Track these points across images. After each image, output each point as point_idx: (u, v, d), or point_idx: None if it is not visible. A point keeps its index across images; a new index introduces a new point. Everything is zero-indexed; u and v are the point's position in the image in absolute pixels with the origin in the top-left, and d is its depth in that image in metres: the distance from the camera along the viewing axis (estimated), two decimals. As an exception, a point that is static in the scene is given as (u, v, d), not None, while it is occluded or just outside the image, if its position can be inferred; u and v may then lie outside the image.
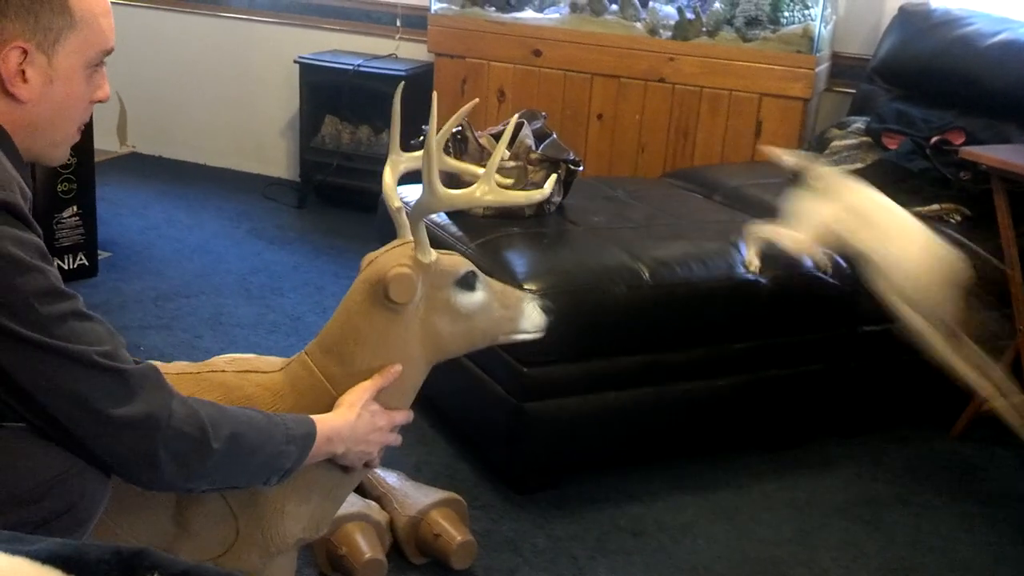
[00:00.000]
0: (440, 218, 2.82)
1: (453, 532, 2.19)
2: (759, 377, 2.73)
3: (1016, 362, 2.81)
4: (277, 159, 5.13)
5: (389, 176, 1.82)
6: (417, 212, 1.65)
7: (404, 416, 1.70)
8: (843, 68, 4.06)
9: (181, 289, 3.69)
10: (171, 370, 1.62)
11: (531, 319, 1.75)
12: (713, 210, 3.12)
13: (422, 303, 1.64)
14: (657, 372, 2.60)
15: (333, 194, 4.73)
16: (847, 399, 2.91)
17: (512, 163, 2.79)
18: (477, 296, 1.68)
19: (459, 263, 1.69)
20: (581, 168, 2.93)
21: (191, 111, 5.22)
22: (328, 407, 1.60)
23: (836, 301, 2.78)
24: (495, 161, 1.65)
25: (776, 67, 3.72)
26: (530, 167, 2.80)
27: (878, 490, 2.72)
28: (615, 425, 2.59)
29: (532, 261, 2.56)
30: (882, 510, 2.63)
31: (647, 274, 2.55)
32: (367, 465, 1.69)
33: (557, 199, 2.89)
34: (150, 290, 3.65)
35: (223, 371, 1.65)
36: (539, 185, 2.78)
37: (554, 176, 1.87)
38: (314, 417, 1.55)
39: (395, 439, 1.70)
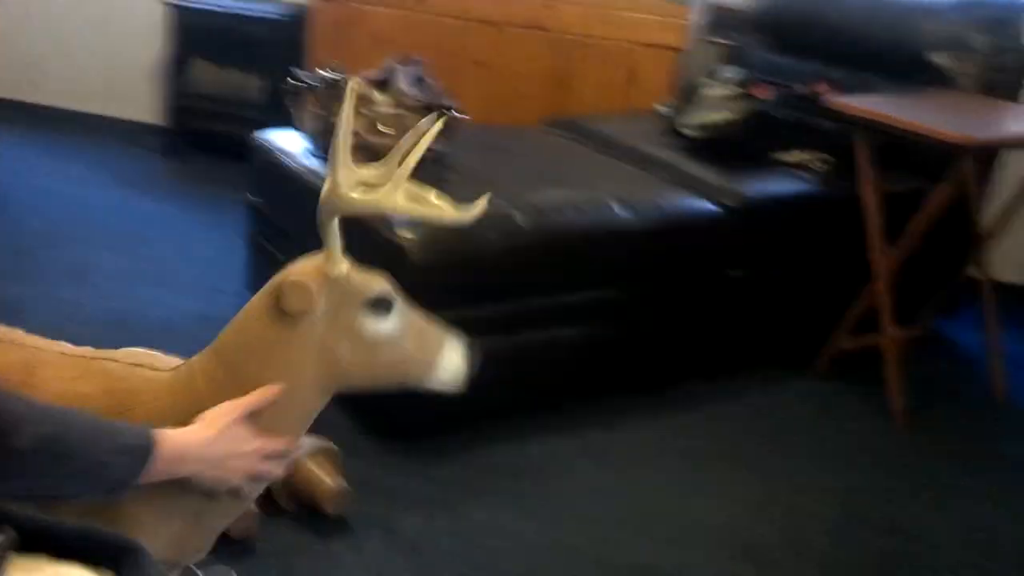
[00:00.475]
0: (312, 163, 2.77)
1: (326, 478, 2.18)
2: (632, 321, 2.79)
3: (874, 302, 2.94)
4: (145, 104, 4.93)
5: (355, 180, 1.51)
6: (322, 213, 1.45)
7: (282, 444, 1.46)
8: (720, 19, 4.10)
9: (43, 238, 3.54)
10: (66, 350, 1.54)
11: (450, 369, 1.52)
12: (589, 158, 3.15)
13: (323, 320, 1.44)
14: (533, 318, 2.62)
15: (203, 140, 4.59)
16: (714, 341, 3.00)
17: (389, 109, 2.75)
18: (387, 325, 1.46)
19: (373, 282, 1.47)
20: (463, 116, 2.91)
21: (53, 54, 4.98)
22: (200, 411, 1.43)
23: (705, 245, 2.85)
24: (408, 167, 1.44)
25: (651, 17, 3.75)
26: (407, 113, 2.76)
27: (745, 429, 2.82)
28: (491, 372, 2.59)
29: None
30: (749, 448, 2.73)
31: (522, 221, 2.56)
32: (237, 495, 1.47)
33: (439, 147, 2.86)
34: (9, 240, 3.49)
35: (115, 360, 1.53)
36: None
37: (481, 204, 1.52)
38: (164, 431, 1.35)
39: (269, 469, 1.46)
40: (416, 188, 1.51)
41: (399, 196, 1.44)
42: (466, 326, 2.49)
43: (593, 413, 2.79)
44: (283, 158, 2.86)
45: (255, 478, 1.46)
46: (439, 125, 1.51)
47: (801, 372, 3.13)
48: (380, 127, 2.71)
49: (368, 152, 2.59)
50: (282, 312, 1.42)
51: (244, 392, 1.44)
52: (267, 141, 2.98)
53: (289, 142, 2.92)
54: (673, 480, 2.55)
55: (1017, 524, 2.54)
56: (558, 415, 2.76)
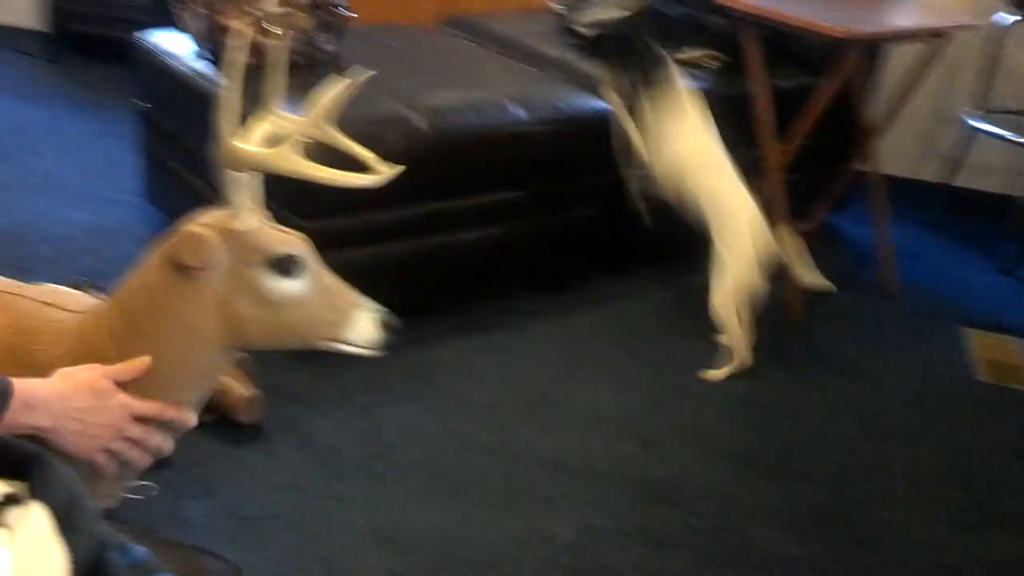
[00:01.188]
0: (199, 64, 2.70)
1: (238, 387, 2.20)
2: (533, 222, 2.84)
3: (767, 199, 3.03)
4: (24, 6, 4.70)
5: (252, 135, 1.45)
6: (219, 166, 1.39)
7: (156, 407, 1.38)
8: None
9: (-77, 152, 3.41)
10: None
11: (361, 332, 1.48)
12: (485, 58, 3.14)
13: (225, 276, 1.39)
14: (435, 221, 2.65)
15: (86, 44, 4.41)
16: (615, 239, 3.06)
17: (278, 9, 2.69)
18: (291, 285, 1.41)
19: (280, 242, 1.41)
20: (351, 15, 2.86)
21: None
22: (101, 361, 1.38)
23: (602, 145, 2.89)
24: (302, 127, 1.41)
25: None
26: (297, 13, 2.71)
27: (645, 322, 2.92)
28: (397, 275, 2.63)
29: (301, 112, 2.50)
30: (649, 341, 2.83)
31: (422, 122, 2.56)
32: (97, 469, 1.36)
33: (329, 48, 2.82)
34: None
35: (26, 297, 1.47)
36: (306, 32, 2.72)
37: (396, 169, 1.47)
38: (17, 379, 1.27)
39: (141, 434, 1.37)
40: (340, 136, 1.47)
41: (294, 155, 1.39)
42: (368, 231, 2.54)
43: (497, 313, 2.85)
44: (168, 60, 2.79)
45: (125, 443, 1.36)
46: (355, 81, 1.47)
47: (700, 269, 3.22)
48: (267, 26, 2.66)
49: (255, 53, 2.54)
50: (181, 265, 1.38)
51: (140, 343, 1.40)
52: (151, 43, 2.90)
53: (174, 43, 2.84)
54: (577, 375, 2.64)
55: (907, 406, 2.70)
56: (463, 316, 2.81)
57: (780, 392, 2.68)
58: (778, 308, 3.03)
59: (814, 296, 3.13)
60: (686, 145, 2.77)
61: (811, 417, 2.59)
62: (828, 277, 3.30)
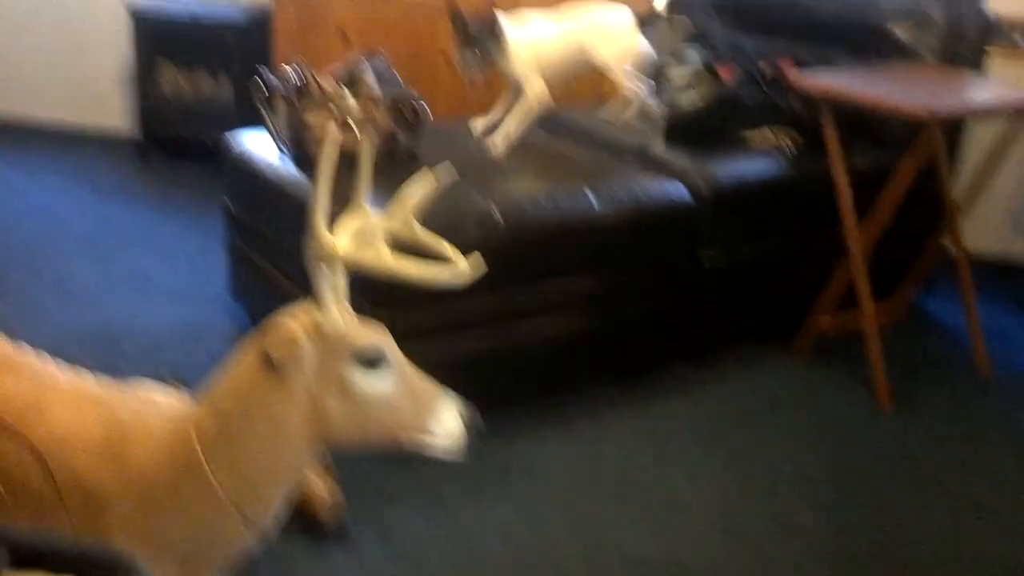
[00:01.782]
0: (284, 163, 2.77)
1: (319, 484, 2.19)
2: (610, 310, 2.82)
3: (850, 280, 2.97)
4: (114, 111, 4.92)
5: (341, 232, 1.49)
6: (309, 261, 1.42)
7: None
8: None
9: (20, 254, 3.53)
10: (78, 385, 1.54)
11: (445, 428, 1.47)
12: (561, 147, 3.17)
13: (312, 370, 1.41)
14: (513, 311, 2.64)
15: (175, 145, 4.58)
16: (693, 325, 3.02)
17: (357, 105, 2.76)
18: (378, 380, 1.43)
19: (365, 335, 1.44)
20: (426, 109, 2.92)
21: (21, 65, 4.94)
22: (189, 459, 1.43)
23: (680, 231, 2.88)
24: (389, 224, 1.44)
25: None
26: (376, 110, 2.77)
27: (728, 411, 2.85)
28: (476, 366, 2.62)
29: (384, 206, 2.54)
30: (733, 430, 2.76)
31: (499, 214, 2.57)
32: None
33: (407, 143, 2.87)
34: (-14, 257, 3.49)
35: (123, 400, 1.54)
36: (385, 129, 2.78)
37: (479, 264, 1.50)
38: None
39: None
40: (421, 230, 1.51)
41: (384, 252, 1.43)
42: (447, 322, 2.54)
43: (578, 403, 2.82)
44: (254, 161, 2.87)
45: None
46: (438, 179, 1.50)
47: (782, 353, 3.16)
48: (348, 124, 2.72)
49: (339, 151, 2.60)
50: (269, 360, 1.40)
51: (231, 440, 1.42)
52: (237, 144, 2.98)
53: (259, 144, 2.92)
54: (660, 466, 2.58)
55: (1002, 497, 2.58)
56: (543, 407, 2.78)
57: (870, 481, 2.59)
58: (866, 393, 2.96)
59: (903, 381, 3.04)
60: None
61: (903, 508, 2.49)
62: (917, 359, 3.22)
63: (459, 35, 2.93)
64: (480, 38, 2.91)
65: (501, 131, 2.91)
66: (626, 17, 3.15)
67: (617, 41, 3.11)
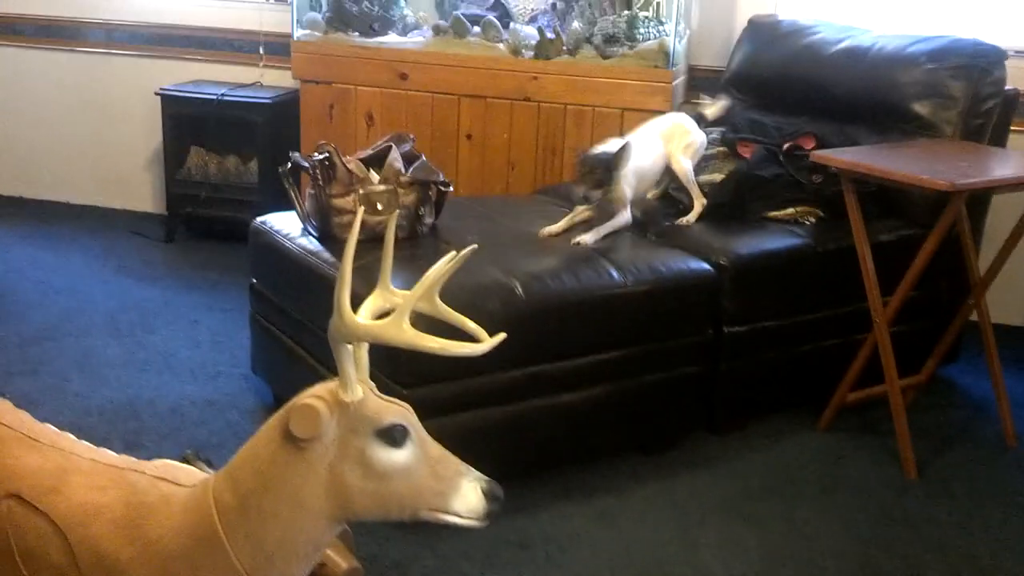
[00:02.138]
0: (311, 244, 2.81)
1: (338, 560, 2.16)
2: (633, 383, 2.81)
3: (874, 352, 2.96)
4: (143, 193, 5.01)
5: (365, 309, 1.50)
6: (332, 339, 1.43)
7: None
8: (699, 80, 4.20)
9: (47, 332, 3.57)
10: (100, 458, 1.55)
11: (467, 502, 1.45)
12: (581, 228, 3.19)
13: (334, 446, 1.41)
14: (535, 385, 2.64)
15: (202, 226, 4.65)
16: (718, 398, 3.01)
17: (382, 187, 2.80)
18: (399, 455, 1.43)
19: (387, 411, 1.44)
20: (451, 189, 2.96)
21: (51, 149, 5.06)
22: (208, 533, 1.43)
23: (701, 304, 2.88)
24: (411, 301, 1.44)
25: (635, 82, 3.82)
26: (400, 190, 2.82)
27: (752, 484, 2.82)
28: (498, 440, 2.61)
29: (406, 283, 2.56)
30: (757, 503, 2.73)
31: (520, 289, 2.59)
32: None
33: (429, 220, 2.91)
34: (14, 335, 3.53)
35: (143, 473, 1.53)
36: (409, 208, 2.82)
37: (499, 337, 1.50)
38: None
39: None
40: (444, 307, 1.51)
41: (405, 327, 1.42)
42: (469, 397, 2.55)
43: (600, 477, 2.80)
44: (281, 240, 2.90)
45: None
46: (460, 256, 1.52)
47: (807, 425, 3.14)
48: (372, 203, 2.76)
49: (364, 230, 2.64)
50: (291, 436, 1.40)
51: (249, 514, 1.41)
52: (265, 224, 3.02)
53: (286, 224, 2.96)
54: (683, 540, 2.55)
55: (1016, 562, 2.53)
56: (565, 481, 2.76)
57: (897, 552, 2.54)
58: (892, 465, 2.92)
59: (929, 452, 3.00)
60: None
61: (939, 584, 2.44)
62: (944, 430, 3.18)
63: (583, 174, 2.88)
64: (604, 175, 2.88)
65: (594, 232, 2.91)
66: (692, 123, 3.22)
67: (689, 147, 3.17)
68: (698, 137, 3.21)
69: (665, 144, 3.15)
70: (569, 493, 2.71)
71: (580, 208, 2.99)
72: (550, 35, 3.98)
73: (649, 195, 3.36)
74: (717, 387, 2.99)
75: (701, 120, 3.29)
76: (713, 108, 3.36)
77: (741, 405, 3.10)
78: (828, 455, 3.00)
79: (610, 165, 2.87)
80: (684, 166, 3.15)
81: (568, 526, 2.57)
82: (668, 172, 3.23)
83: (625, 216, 3.00)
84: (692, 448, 2.97)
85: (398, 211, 2.77)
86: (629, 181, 2.96)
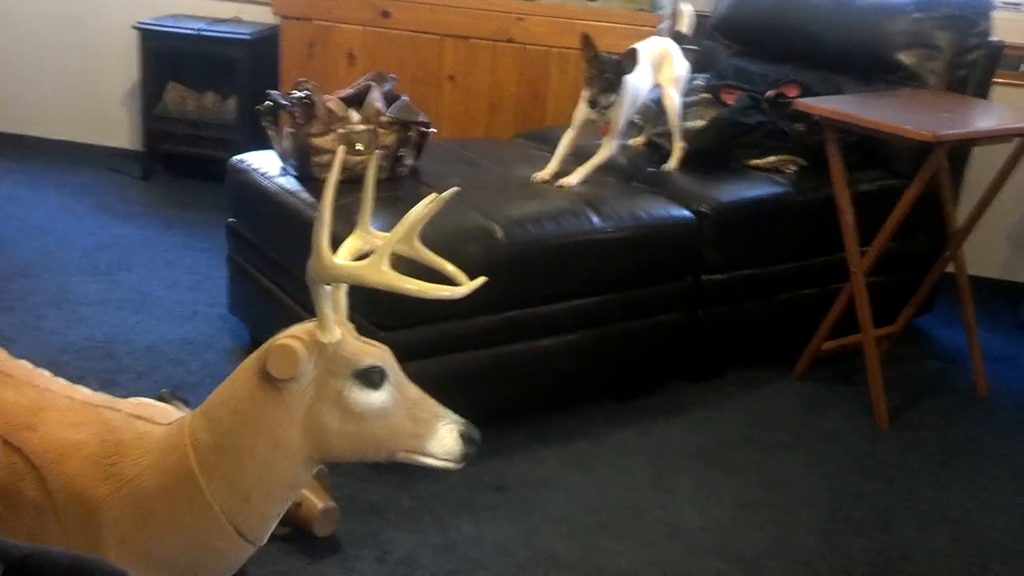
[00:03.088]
0: (289, 183, 2.78)
1: (314, 499, 2.19)
2: (612, 329, 2.82)
3: (850, 302, 2.97)
4: (120, 129, 4.94)
5: (344, 250, 1.50)
6: (310, 280, 1.42)
7: None
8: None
9: (23, 268, 3.53)
10: (76, 395, 1.54)
11: (443, 444, 1.46)
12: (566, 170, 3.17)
13: (311, 387, 1.42)
14: (513, 329, 2.64)
15: (180, 164, 4.60)
16: (695, 346, 3.02)
17: (362, 126, 2.77)
18: (377, 397, 1.43)
19: (365, 353, 1.44)
20: (433, 131, 2.93)
21: (27, 83, 4.97)
22: (184, 472, 1.43)
23: (681, 252, 2.88)
24: (391, 242, 1.42)
25: (620, 25, 3.78)
26: (380, 130, 2.79)
27: (727, 432, 2.85)
28: (475, 384, 2.62)
29: (385, 225, 2.55)
30: (732, 451, 2.75)
31: (501, 233, 2.58)
32: None
33: (410, 162, 2.88)
34: (-11, 271, 3.50)
35: (118, 411, 1.52)
36: (390, 149, 2.79)
37: (479, 280, 1.49)
38: None
39: None
40: (424, 250, 1.50)
41: (384, 269, 1.41)
42: (448, 341, 2.55)
43: (577, 422, 2.81)
44: (260, 179, 2.87)
45: None
46: (442, 198, 1.50)
47: (783, 374, 3.16)
48: (352, 143, 2.73)
49: (344, 171, 2.61)
50: (269, 376, 1.40)
51: (226, 453, 1.42)
52: (243, 163, 2.99)
53: (265, 163, 2.93)
54: (658, 485, 2.57)
55: (1003, 519, 2.56)
56: (542, 425, 2.77)
57: (869, 501, 2.58)
58: (865, 415, 2.95)
59: (902, 402, 3.04)
60: None
61: (902, 529, 2.48)
62: (917, 381, 3.22)
63: (595, 75, 2.84)
64: (614, 77, 2.83)
65: (578, 172, 2.90)
66: (675, 47, 3.17)
67: (678, 79, 3.13)
68: (682, 64, 3.17)
69: (654, 72, 3.10)
70: (545, 437, 2.73)
71: (565, 143, 2.96)
72: (535, -24, 3.92)
73: (632, 142, 3.34)
74: (695, 335, 3.00)
75: (681, 39, 3.24)
76: (684, 20, 3.30)
77: (719, 353, 3.12)
78: (803, 404, 3.03)
79: (621, 67, 2.84)
80: (675, 101, 3.12)
81: (544, 470, 2.59)
82: (653, 111, 3.21)
83: (612, 147, 2.97)
84: (668, 395, 2.99)
85: (378, 151, 2.74)
86: (627, 98, 2.92)
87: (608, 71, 2.82)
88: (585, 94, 2.88)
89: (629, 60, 2.83)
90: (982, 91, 3.35)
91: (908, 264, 3.29)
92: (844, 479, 2.66)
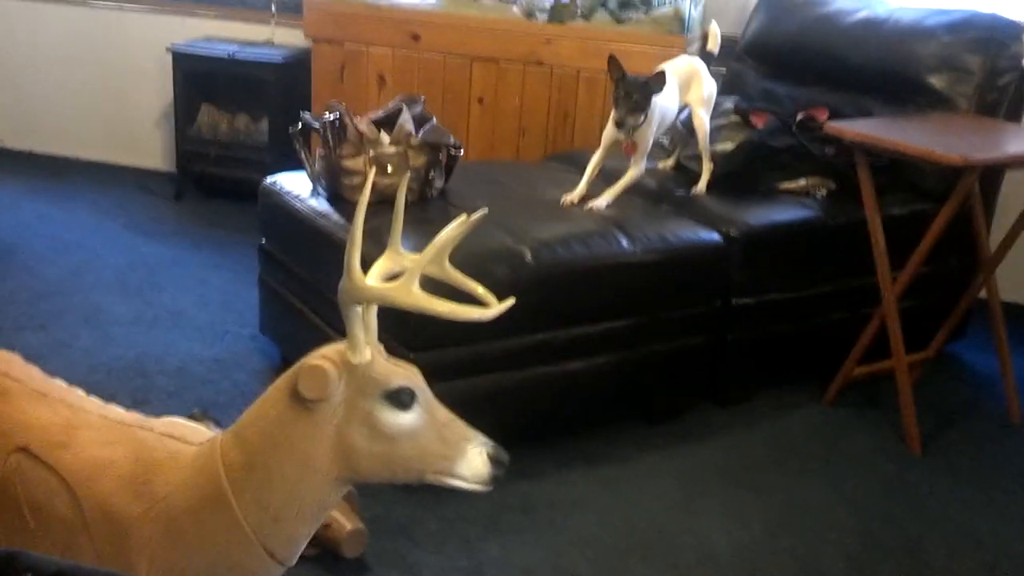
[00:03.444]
0: (320, 205, 2.80)
1: (343, 521, 2.19)
2: (640, 352, 2.81)
3: (881, 327, 2.95)
4: (153, 150, 5.00)
5: (374, 271, 1.51)
6: (341, 301, 1.42)
7: None
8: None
9: (56, 287, 3.58)
10: (109, 414, 1.56)
11: (472, 467, 1.46)
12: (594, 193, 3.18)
13: (341, 408, 1.42)
14: (542, 351, 2.64)
15: (211, 184, 4.64)
16: (724, 369, 3.01)
17: (392, 148, 2.79)
18: (406, 418, 1.43)
19: (395, 374, 1.44)
20: (462, 152, 2.95)
21: (62, 104, 5.05)
22: (215, 491, 1.44)
23: (710, 275, 2.87)
24: (421, 264, 1.43)
25: (649, 48, 3.79)
26: (411, 152, 2.80)
27: (756, 455, 2.83)
28: (504, 406, 2.62)
29: (415, 246, 2.56)
30: (760, 475, 2.73)
31: (530, 255, 2.58)
32: None
33: (439, 183, 2.90)
34: (23, 290, 3.53)
35: (151, 430, 1.53)
36: (419, 171, 2.81)
37: (508, 302, 1.50)
38: None
39: None
40: (454, 271, 1.51)
41: (414, 290, 1.42)
42: (476, 363, 2.55)
43: (604, 444, 2.80)
44: (290, 201, 2.90)
45: None
46: (471, 220, 1.51)
47: (812, 398, 3.14)
48: (383, 165, 2.75)
49: (374, 192, 2.63)
50: (299, 396, 1.40)
51: (256, 473, 1.42)
52: (275, 184, 3.01)
53: (296, 185, 2.95)
54: (688, 509, 2.56)
55: (1017, 538, 2.53)
56: (569, 448, 2.77)
57: (899, 526, 2.55)
58: (896, 440, 2.92)
59: (934, 427, 3.01)
60: None
61: (933, 555, 2.45)
62: (949, 407, 3.18)
63: (622, 96, 2.84)
64: (642, 99, 2.84)
65: (607, 195, 2.90)
66: (703, 66, 3.17)
67: (708, 100, 3.13)
68: (710, 84, 3.17)
69: (682, 91, 3.10)
70: (573, 460, 2.72)
71: (593, 164, 2.97)
72: (564, -1, 3.94)
73: (661, 165, 3.34)
74: (723, 358, 2.99)
75: (710, 59, 3.24)
76: (712, 39, 3.30)
77: (747, 377, 3.10)
78: (833, 429, 3.00)
79: (649, 88, 2.84)
80: (705, 123, 3.11)
81: (571, 492, 2.58)
82: (681, 133, 3.21)
83: (640, 168, 2.96)
84: (697, 419, 2.98)
85: (409, 173, 2.76)
86: (655, 119, 2.92)
87: (636, 92, 2.83)
88: (613, 115, 2.89)
89: (657, 81, 2.84)
90: (1014, 115, 3.33)
91: (939, 289, 3.26)
92: (874, 504, 2.64)
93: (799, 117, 3.27)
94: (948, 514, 2.62)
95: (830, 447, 2.90)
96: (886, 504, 2.64)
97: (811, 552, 2.42)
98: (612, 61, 2.86)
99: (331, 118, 2.79)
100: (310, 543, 2.11)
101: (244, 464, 1.45)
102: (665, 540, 2.43)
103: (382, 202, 2.73)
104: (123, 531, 1.45)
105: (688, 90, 3.11)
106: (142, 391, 2.90)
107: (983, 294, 3.14)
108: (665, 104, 2.97)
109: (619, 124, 2.86)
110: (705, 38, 3.40)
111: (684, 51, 3.76)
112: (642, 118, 2.86)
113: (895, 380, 2.93)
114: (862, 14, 3.53)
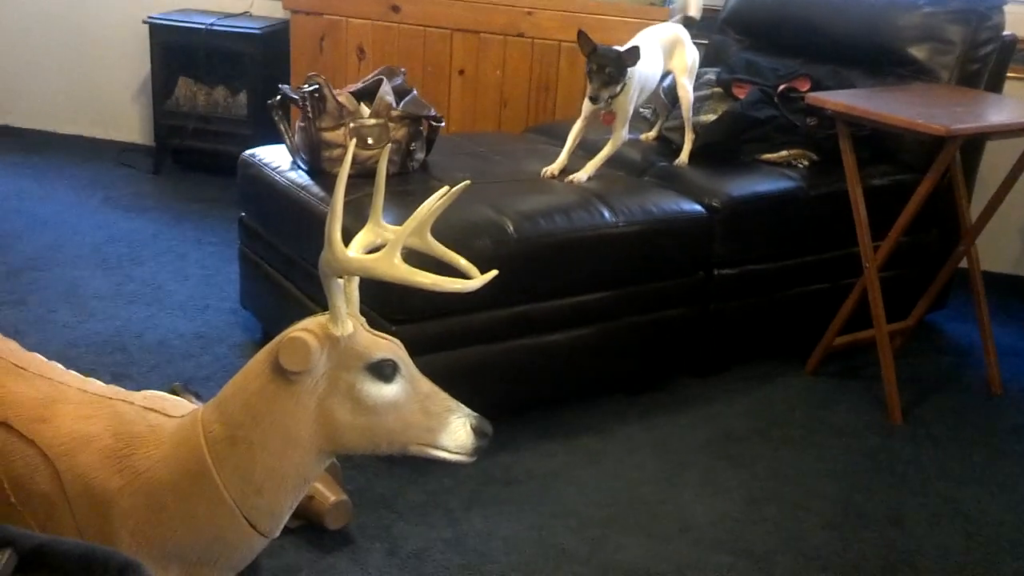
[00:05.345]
0: (300, 177, 2.78)
1: (327, 493, 2.19)
2: (622, 324, 2.81)
3: (863, 297, 2.97)
4: (130, 124, 4.95)
5: (356, 244, 1.50)
6: (322, 273, 1.42)
7: None
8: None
9: (34, 262, 3.54)
10: (88, 388, 1.55)
11: (455, 438, 1.46)
12: (574, 164, 3.17)
13: (323, 380, 1.42)
14: (523, 324, 2.64)
15: (190, 158, 4.61)
16: (705, 340, 3.02)
17: (373, 121, 2.77)
18: (389, 390, 1.43)
19: (377, 346, 1.43)
20: (443, 124, 2.93)
21: (38, 78, 4.99)
22: (197, 464, 1.43)
23: (692, 246, 2.87)
24: (402, 236, 1.42)
25: (631, 20, 3.77)
26: (391, 124, 2.78)
27: (736, 426, 2.84)
28: (485, 378, 2.62)
29: (397, 218, 2.55)
30: (741, 445, 2.75)
31: (511, 227, 2.57)
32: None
33: (420, 156, 2.88)
34: (1, 265, 3.50)
35: (131, 403, 1.53)
36: (400, 143, 2.79)
37: (491, 274, 1.50)
38: None
39: None
40: (435, 243, 1.51)
41: (396, 262, 1.41)
42: (457, 335, 2.55)
43: (586, 416, 2.81)
44: (270, 174, 2.88)
45: None
46: (453, 192, 1.50)
47: (794, 368, 3.15)
48: (367, 139, 2.73)
49: (355, 165, 2.61)
50: (281, 368, 1.40)
51: (238, 445, 1.42)
52: (254, 157, 2.99)
53: (276, 158, 2.93)
54: (668, 480, 2.57)
55: (1016, 514, 2.55)
56: (551, 420, 2.77)
57: (880, 495, 2.57)
58: (877, 410, 2.94)
59: (915, 397, 3.03)
60: None
61: (914, 524, 2.47)
62: (930, 376, 3.20)
63: (595, 70, 2.81)
64: (616, 71, 2.80)
65: (587, 168, 2.89)
66: (686, 33, 3.15)
67: (691, 69, 3.12)
68: (693, 52, 3.15)
69: (665, 58, 3.08)
70: (554, 432, 2.73)
71: (573, 135, 2.96)
72: (546, -30, 3.91)
73: (643, 136, 3.34)
74: (706, 330, 2.99)
75: (691, 23, 3.22)
76: (694, 5, 3.28)
77: (729, 348, 3.11)
78: (814, 399, 3.02)
79: (622, 61, 2.82)
80: (689, 92, 3.10)
81: (552, 464, 2.59)
82: (664, 104, 3.20)
83: (620, 137, 2.95)
84: (678, 390, 2.99)
85: (389, 145, 2.74)
86: (635, 87, 2.89)
87: (609, 64, 2.81)
88: (588, 90, 2.87)
89: (631, 55, 2.82)
90: (995, 86, 3.34)
91: (920, 259, 3.28)
92: (855, 474, 2.65)
93: (781, 88, 3.26)
94: (929, 483, 2.64)
95: (811, 417, 2.92)
96: (867, 474, 2.66)
97: (793, 522, 2.44)
98: (581, 36, 2.84)
99: (310, 90, 2.77)
100: (293, 515, 2.11)
101: (226, 437, 1.44)
102: (646, 511, 2.44)
103: (363, 175, 2.71)
104: (104, 505, 1.45)
105: (671, 57, 3.10)
106: (122, 366, 2.89)
107: (964, 264, 3.16)
108: (646, 71, 2.95)
109: (593, 99, 2.84)
110: (685, 2, 3.39)
111: (666, 22, 3.74)
112: (618, 89, 2.84)
113: (876, 350, 2.95)
114: (844, -16, 3.52)
